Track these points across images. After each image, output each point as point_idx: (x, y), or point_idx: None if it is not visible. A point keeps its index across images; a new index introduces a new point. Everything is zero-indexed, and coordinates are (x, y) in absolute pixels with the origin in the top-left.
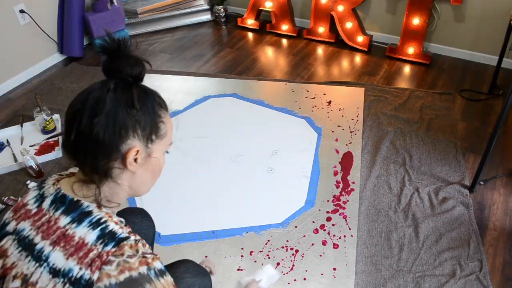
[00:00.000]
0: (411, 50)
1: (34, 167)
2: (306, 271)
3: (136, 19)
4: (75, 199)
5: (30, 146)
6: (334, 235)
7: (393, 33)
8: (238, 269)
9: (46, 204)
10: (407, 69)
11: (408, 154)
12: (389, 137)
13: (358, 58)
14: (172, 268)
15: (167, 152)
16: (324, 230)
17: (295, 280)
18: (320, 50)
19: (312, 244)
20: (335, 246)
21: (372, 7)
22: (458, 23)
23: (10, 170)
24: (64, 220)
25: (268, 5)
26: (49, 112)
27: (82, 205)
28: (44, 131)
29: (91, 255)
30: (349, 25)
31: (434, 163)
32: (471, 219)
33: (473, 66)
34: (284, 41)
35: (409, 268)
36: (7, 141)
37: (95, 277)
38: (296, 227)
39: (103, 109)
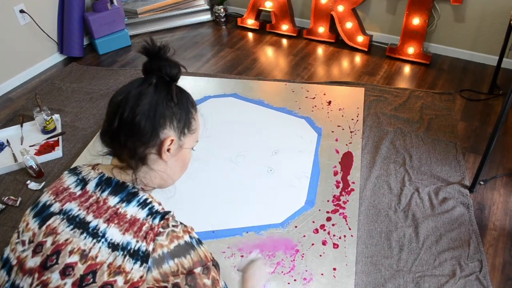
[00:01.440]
0: (411, 50)
1: (34, 167)
2: (306, 271)
3: (136, 19)
4: (121, 181)
5: (30, 146)
6: (334, 235)
7: (393, 33)
8: (239, 269)
9: (90, 186)
10: (407, 69)
11: (408, 154)
12: (389, 137)
13: (358, 58)
14: None
15: (193, 149)
16: (324, 230)
17: (295, 280)
18: (320, 50)
19: (312, 244)
20: (335, 246)
21: (372, 7)
22: (458, 23)
23: (10, 170)
24: (113, 200)
25: (268, 5)
26: (49, 112)
27: (128, 187)
28: (44, 131)
29: (144, 228)
30: (349, 25)
31: (434, 163)
32: (471, 219)
33: (473, 66)
34: (284, 41)
35: (409, 268)
36: (7, 141)
37: (150, 248)
38: (296, 227)
39: (145, 100)
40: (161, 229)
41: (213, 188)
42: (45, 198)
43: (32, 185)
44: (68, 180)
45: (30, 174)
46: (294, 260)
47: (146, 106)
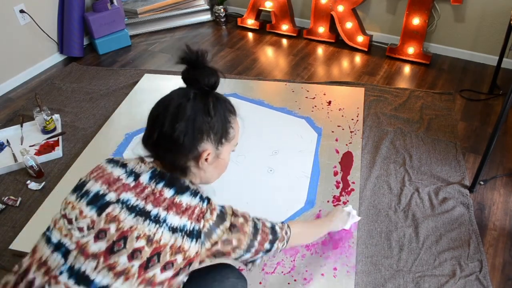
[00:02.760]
0: (411, 50)
1: (34, 167)
2: (306, 271)
3: (136, 19)
4: (173, 175)
5: (30, 146)
6: (334, 235)
7: (393, 33)
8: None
9: (144, 179)
10: (407, 69)
11: (408, 154)
12: (389, 137)
13: (358, 58)
14: (216, 269)
15: (233, 151)
16: None
17: (295, 280)
18: (320, 50)
19: (312, 244)
20: (335, 246)
21: (372, 7)
22: (458, 23)
23: (10, 170)
24: (168, 192)
25: (268, 5)
26: (49, 112)
27: (180, 180)
28: (44, 131)
29: (196, 211)
30: (349, 25)
31: (434, 163)
32: (471, 219)
33: (473, 66)
34: (284, 41)
35: (409, 268)
36: (7, 141)
37: (201, 225)
38: None
39: (183, 116)
40: (207, 210)
41: (212, 188)
42: (96, 187)
43: (32, 185)
44: (116, 171)
45: (30, 174)
46: (294, 260)
47: (184, 122)
